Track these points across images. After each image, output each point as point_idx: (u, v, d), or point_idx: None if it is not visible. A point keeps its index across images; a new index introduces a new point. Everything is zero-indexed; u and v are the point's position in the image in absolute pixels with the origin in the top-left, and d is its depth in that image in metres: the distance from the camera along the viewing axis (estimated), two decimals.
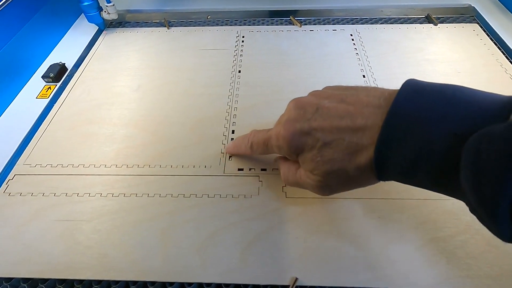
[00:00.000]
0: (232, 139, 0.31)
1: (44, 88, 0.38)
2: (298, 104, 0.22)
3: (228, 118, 0.33)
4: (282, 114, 0.23)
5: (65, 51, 0.43)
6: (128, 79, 0.38)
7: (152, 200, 0.26)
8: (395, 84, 0.18)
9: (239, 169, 0.28)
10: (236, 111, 0.33)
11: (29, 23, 0.40)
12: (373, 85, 0.34)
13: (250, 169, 0.28)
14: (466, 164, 0.14)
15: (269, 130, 0.24)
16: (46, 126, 0.33)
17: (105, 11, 0.42)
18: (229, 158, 0.29)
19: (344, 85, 0.22)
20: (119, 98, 0.36)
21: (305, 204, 0.25)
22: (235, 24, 0.46)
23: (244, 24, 0.46)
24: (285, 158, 0.24)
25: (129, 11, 0.50)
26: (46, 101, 0.36)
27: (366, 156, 0.18)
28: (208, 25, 0.46)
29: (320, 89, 0.23)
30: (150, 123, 0.33)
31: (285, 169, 0.24)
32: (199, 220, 0.25)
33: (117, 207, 0.26)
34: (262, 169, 0.28)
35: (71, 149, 0.30)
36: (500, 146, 0.13)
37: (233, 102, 0.34)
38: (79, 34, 0.46)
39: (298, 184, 0.23)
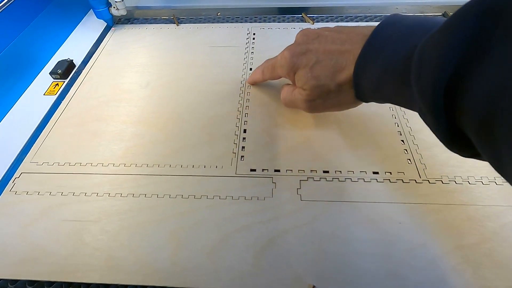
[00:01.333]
0: (244, 138, 0.30)
1: (52, 85, 0.37)
2: (304, 32, 0.26)
3: (239, 117, 0.32)
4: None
5: (73, 48, 0.43)
6: (137, 76, 0.37)
7: (162, 201, 0.25)
8: None
9: (251, 170, 0.27)
10: (248, 109, 0.32)
11: (37, 18, 0.40)
12: None
13: (263, 169, 0.27)
14: (413, 65, 0.16)
15: (277, 55, 0.28)
16: (53, 123, 0.32)
17: (113, 7, 0.41)
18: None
19: None
20: (128, 95, 0.35)
21: (321, 208, 0.24)
22: (246, 21, 0.45)
23: (255, 21, 0.45)
24: (286, 85, 0.29)
25: (137, 8, 0.49)
26: (53, 98, 0.36)
27: (347, 73, 0.22)
28: (218, 22, 0.45)
29: None
30: (160, 121, 0.32)
31: (285, 90, 0.28)
32: (210, 223, 0.24)
33: (126, 208, 0.25)
34: (275, 170, 0.27)
35: (79, 147, 0.30)
36: (435, 39, 0.15)
37: (245, 101, 0.33)
38: (87, 30, 0.45)
39: (292, 102, 0.27)
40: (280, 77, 0.29)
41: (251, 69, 0.37)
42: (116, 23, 0.46)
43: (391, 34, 0.19)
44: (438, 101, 0.15)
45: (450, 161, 0.27)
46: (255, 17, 0.46)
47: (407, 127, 0.30)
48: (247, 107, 0.33)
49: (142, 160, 0.28)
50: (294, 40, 0.27)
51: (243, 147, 0.29)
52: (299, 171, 0.27)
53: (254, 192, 0.25)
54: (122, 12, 0.42)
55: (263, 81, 0.33)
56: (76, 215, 0.25)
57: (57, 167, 0.28)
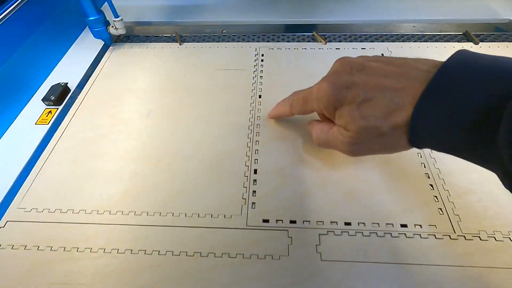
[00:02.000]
0: (254, 180, 0.27)
1: (44, 112, 0.35)
2: (345, 61, 0.22)
3: (249, 154, 0.29)
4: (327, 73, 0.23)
5: (68, 69, 0.40)
6: (137, 102, 0.34)
7: (163, 259, 0.22)
8: None
9: (264, 221, 0.24)
10: (258, 145, 0.29)
11: (30, 39, 0.37)
12: None
13: (277, 220, 0.24)
14: (504, 123, 0.14)
15: (310, 87, 0.24)
16: (45, 159, 0.29)
17: (112, 26, 0.38)
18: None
19: None
20: (127, 126, 0.32)
21: (345, 270, 0.21)
22: (253, 40, 0.42)
23: (263, 40, 0.42)
24: (318, 121, 0.25)
25: (138, 23, 0.47)
26: (46, 128, 0.33)
27: (403, 115, 0.18)
28: (223, 40, 0.42)
29: None
30: (162, 158, 0.29)
31: (318, 128, 0.25)
32: (218, 287, 0.21)
33: (123, 267, 0.22)
34: (291, 221, 0.24)
35: (72, 189, 0.27)
36: None
37: (254, 134, 0.30)
38: (83, 49, 0.42)
39: (328, 142, 0.24)
40: (312, 112, 0.25)
41: (260, 96, 0.34)
42: (115, 41, 0.43)
43: (463, 76, 0.16)
44: None
45: (487, 212, 0.24)
46: (263, 35, 0.43)
47: (435, 168, 0.27)
48: (257, 141, 0.30)
49: (141, 207, 0.25)
50: (331, 69, 0.23)
51: (254, 192, 0.26)
52: (318, 223, 0.24)
53: (268, 249, 0.23)
54: (121, 32, 0.39)
55: (290, 115, 0.28)
56: (67, 277, 0.22)
57: (47, 215, 0.25)
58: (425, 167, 0.27)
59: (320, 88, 0.22)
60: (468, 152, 0.17)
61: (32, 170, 0.29)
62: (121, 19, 0.38)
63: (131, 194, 0.26)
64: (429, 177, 0.26)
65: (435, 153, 0.28)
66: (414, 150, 0.28)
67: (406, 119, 0.18)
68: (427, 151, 0.28)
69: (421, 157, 0.28)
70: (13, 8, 0.34)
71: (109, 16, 0.38)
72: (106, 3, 0.36)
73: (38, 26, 0.38)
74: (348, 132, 0.21)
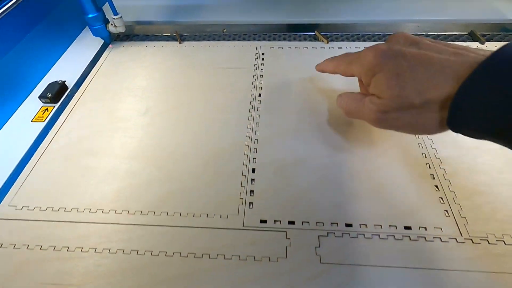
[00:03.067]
0: (252, 180, 0.26)
1: (40, 110, 0.34)
2: (401, 34, 0.22)
3: (247, 152, 0.28)
4: None
5: (66, 67, 0.39)
6: (135, 100, 0.34)
7: (156, 260, 0.22)
8: None
9: (261, 221, 0.23)
10: (257, 143, 0.29)
11: (29, 36, 0.36)
12: None
13: (275, 221, 0.23)
14: None
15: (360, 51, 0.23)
16: (39, 156, 0.29)
17: (111, 24, 0.38)
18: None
19: None
20: (124, 123, 0.31)
21: (345, 273, 0.20)
22: (254, 39, 0.42)
23: (264, 39, 0.41)
24: (350, 93, 0.25)
25: (138, 23, 0.46)
26: (42, 125, 0.32)
27: (442, 92, 0.18)
28: (224, 39, 0.42)
29: None
30: (158, 155, 0.28)
31: (349, 98, 0.24)
32: None
33: (114, 268, 0.21)
34: (289, 222, 0.23)
35: (65, 186, 0.26)
36: None
37: (253, 132, 0.30)
38: (83, 47, 0.42)
39: (358, 111, 0.23)
40: (353, 76, 0.25)
41: (260, 94, 0.33)
42: (115, 40, 0.42)
43: None
44: None
45: (496, 214, 0.23)
46: (264, 34, 0.42)
47: (440, 168, 0.26)
48: (255, 140, 0.29)
49: (135, 206, 0.25)
50: (386, 40, 0.23)
51: (251, 191, 0.25)
52: (318, 224, 0.23)
53: (265, 251, 0.22)
54: (121, 30, 0.38)
55: (334, 73, 0.28)
56: (56, 277, 0.21)
57: (38, 213, 0.24)
58: (430, 167, 0.26)
59: (367, 53, 0.22)
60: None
61: (25, 167, 0.28)
62: (121, 17, 0.37)
63: (125, 193, 0.26)
64: (434, 178, 0.25)
65: (440, 153, 0.27)
66: (418, 149, 0.27)
67: (444, 95, 0.18)
68: (431, 150, 0.27)
69: (425, 157, 0.27)
70: (12, 4, 0.34)
71: (109, 14, 0.38)
72: (106, 1, 0.36)
73: (36, 24, 0.37)
74: (380, 100, 0.21)
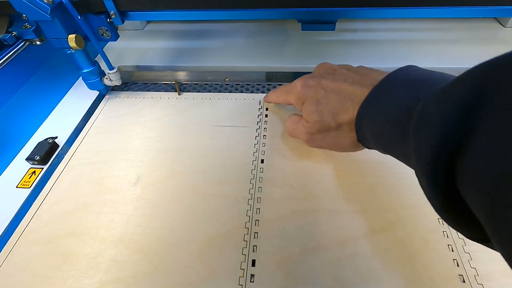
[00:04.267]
0: (252, 276, 0.23)
1: (28, 173, 0.32)
2: (322, 66, 0.28)
3: (247, 238, 0.25)
4: None
5: (60, 120, 0.37)
6: (127, 165, 0.31)
7: None
8: None
9: None
10: (258, 226, 0.25)
11: (21, 91, 0.35)
12: None
13: None
14: (413, 120, 0.15)
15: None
16: (17, 237, 0.26)
17: (107, 78, 0.36)
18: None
19: None
20: (113, 195, 0.29)
21: None
22: (257, 90, 0.39)
23: (268, 90, 0.39)
24: (294, 114, 0.29)
25: (138, 68, 0.44)
26: (27, 192, 0.30)
27: (349, 115, 0.22)
28: (225, 90, 0.39)
29: None
30: (147, 240, 0.25)
31: (291, 119, 0.29)
32: None
33: None
34: None
35: (41, 279, 0.23)
36: (439, 99, 0.14)
37: (254, 211, 0.27)
38: (78, 98, 0.40)
39: (294, 131, 0.29)
40: (291, 104, 0.29)
41: (262, 160, 0.30)
42: (111, 90, 0.40)
43: (400, 84, 0.19)
44: (435, 165, 0.13)
45: None
46: (268, 84, 0.40)
47: (459, 239, 0.22)
48: (257, 222, 0.26)
49: None
50: (313, 71, 0.28)
51: None
52: None
53: None
54: (116, 83, 0.36)
55: (277, 103, 0.34)
56: None
57: None
58: (458, 265, 0.22)
59: (295, 85, 0.27)
60: (396, 150, 0.19)
61: (3, 249, 0.25)
62: (117, 71, 0.35)
63: None
64: (452, 250, 0.22)
65: (468, 246, 0.23)
66: (444, 242, 0.24)
67: (351, 119, 0.22)
68: (459, 245, 0.23)
69: (452, 250, 0.23)
70: (4, 60, 0.32)
71: (105, 67, 0.36)
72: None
73: (29, 78, 0.36)
74: (307, 123, 0.26)
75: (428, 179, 0.14)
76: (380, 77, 0.21)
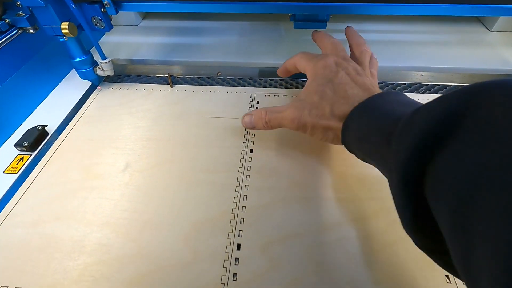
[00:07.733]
0: (237, 259, 0.23)
1: (15, 159, 0.32)
2: (339, 47, 0.31)
3: (233, 223, 0.25)
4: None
5: (51, 109, 0.37)
6: (116, 153, 0.31)
7: None
8: None
9: None
10: (244, 212, 0.26)
11: (12, 79, 0.35)
12: None
13: None
14: (400, 125, 0.17)
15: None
16: (3, 218, 0.26)
17: (99, 68, 0.36)
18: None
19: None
20: (101, 181, 0.29)
21: None
22: (249, 84, 0.40)
23: (259, 85, 0.39)
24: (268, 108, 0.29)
25: (131, 61, 0.45)
26: (13, 178, 0.30)
27: (346, 112, 0.24)
28: (217, 83, 0.40)
29: None
30: (133, 224, 0.25)
31: (266, 110, 0.29)
32: None
33: None
34: None
35: (25, 262, 0.23)
36: (409, 125, 0.16)
37: (241, 197, 0.27)
38: (70, 88, 0.40)
39: (278, 116, 0.28)
40: (298, 69, 0.32)
41: (251, 150, 0.31)
42: (104, 81, 0.41)
43: (380, 105, 0.21)
44: (412, 163, 0.15)
45: None
46: (260, 79, 0.40)
47: None
48: (243, 208, 0.26)
49: None
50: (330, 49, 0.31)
51: (234, 275, 0.22)
52: None
53: None
54: (109, 73, 0.37)
55: (290, 66, 0.33)
56: None
57: None
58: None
59: (328, 57, 0.28)
60: (378, 155, 0.20)
61: None
62: (109, 61, 0.36)
63: (91, 272, 0.22)
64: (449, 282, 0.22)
65: None
66: None
67: (336, 125, 0.24)
68: None
69: None
70: None
71: (97, 57, 0.36)
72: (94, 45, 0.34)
73: (22, 64, 0.36)
74: (304, 92, 0.27)
75: (402, 176, 0.15)
76: (375, 88, 0.25)
